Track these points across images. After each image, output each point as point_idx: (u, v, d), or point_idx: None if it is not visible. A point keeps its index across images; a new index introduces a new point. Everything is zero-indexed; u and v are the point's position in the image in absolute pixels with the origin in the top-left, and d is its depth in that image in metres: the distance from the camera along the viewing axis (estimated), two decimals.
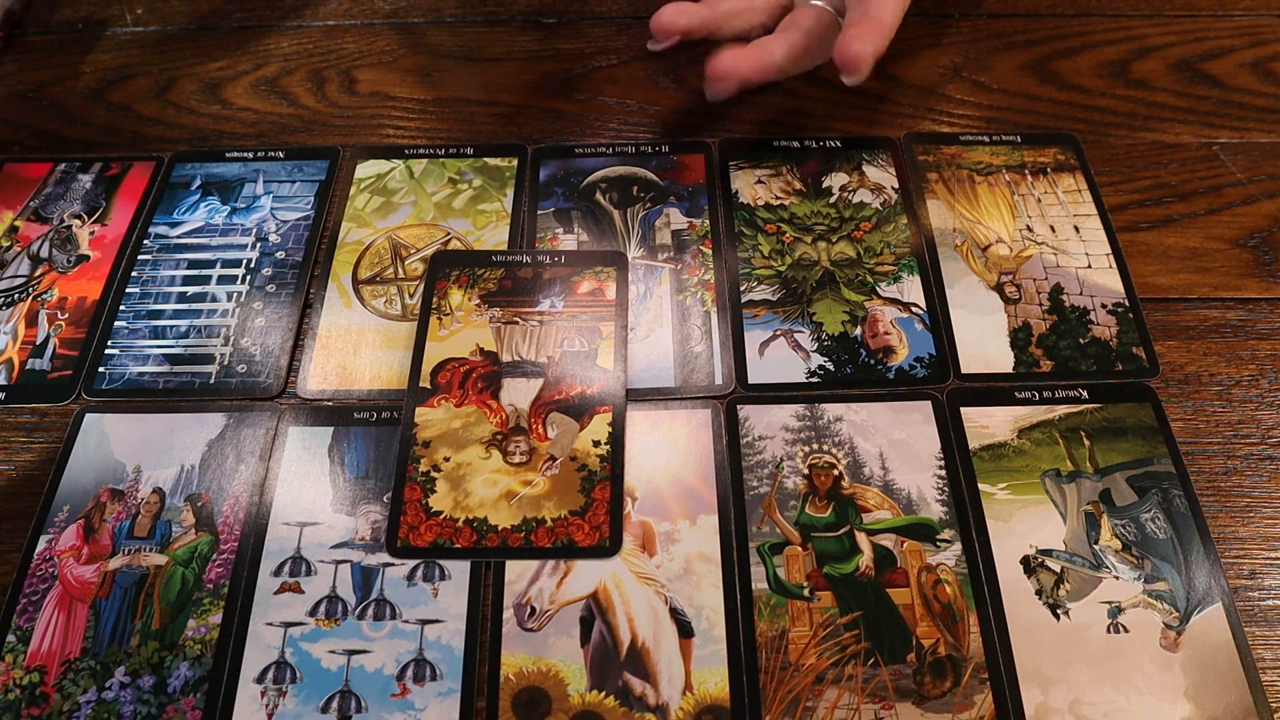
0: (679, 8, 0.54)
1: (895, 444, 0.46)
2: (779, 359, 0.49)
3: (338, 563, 0.43)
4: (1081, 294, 0.51)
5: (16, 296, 0.51)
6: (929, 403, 0.47)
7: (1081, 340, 0.49)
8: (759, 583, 0.42)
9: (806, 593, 0.42)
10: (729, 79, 0.53)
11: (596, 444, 0.45)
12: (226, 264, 0.52)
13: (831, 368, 0.48)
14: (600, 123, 0.59)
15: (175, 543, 0.43)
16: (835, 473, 0.45)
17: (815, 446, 0.46)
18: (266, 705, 0.39)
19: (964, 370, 0.48)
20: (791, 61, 0.53)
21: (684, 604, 0.42)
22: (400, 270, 0.52)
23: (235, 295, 0.51)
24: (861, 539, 0.43)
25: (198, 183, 0.56)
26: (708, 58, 0.53)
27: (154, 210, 0.55)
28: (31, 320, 0.50)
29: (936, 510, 0.44)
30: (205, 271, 0.52)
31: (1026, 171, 0.56)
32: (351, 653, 0.40)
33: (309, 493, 0.44)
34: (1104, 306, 0.50)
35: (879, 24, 0.49)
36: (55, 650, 0.41)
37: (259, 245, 0.53)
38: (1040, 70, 0.62)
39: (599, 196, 0.55)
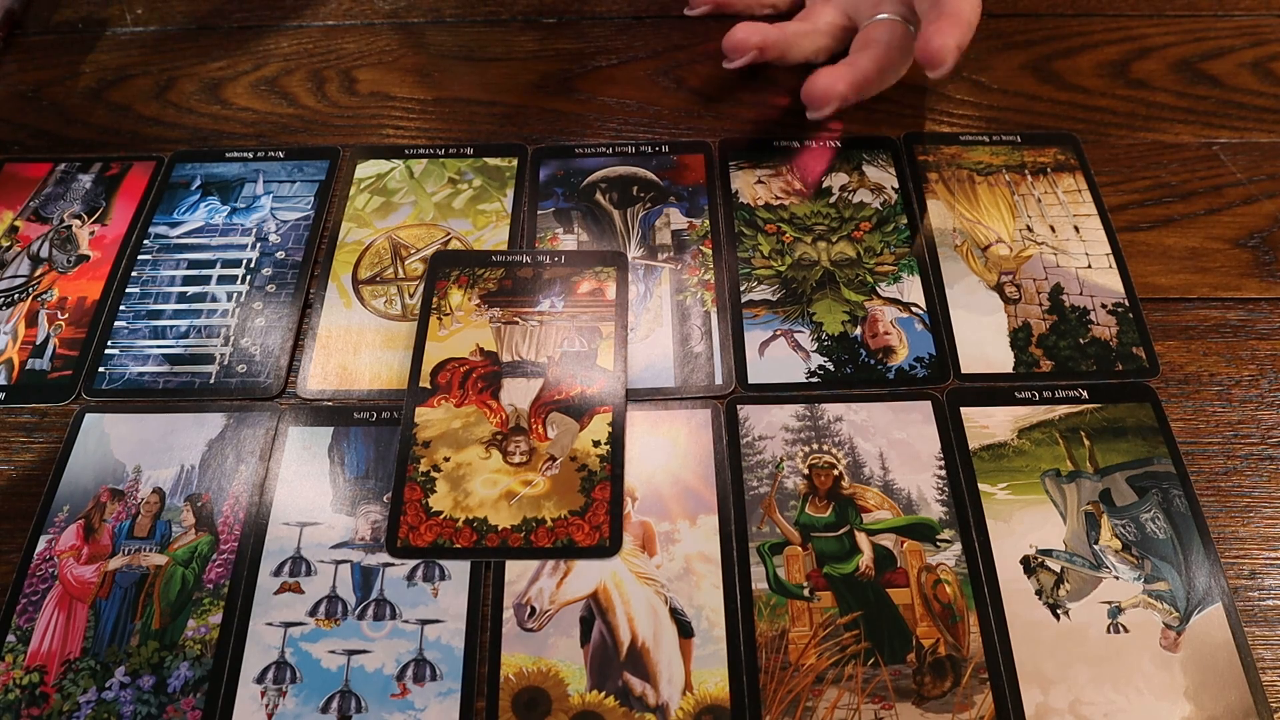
0: (751, 26, 0.55)
1: (895, 444, 0.46)
2: (779, 359, 0.49)
3: (338, 563, 0.43)
4: (1081, 294, 0.51)
5: (16, 296, 0.51)
6: (929, 403, 0.47)
7: (1081, 340, 0.49)
8: (759, 583, 0.42)
9: (806, 593, 0.42)
10: (829, 98, 0.53)
11: (596, 444, 0.45)
12: (226, 264, 0.52)
13: (831, 368, 0.48)
14: (600, 123, 0.59)
15: (175, 543, 0.43)
16: (835, 473, 0.45)
17: (815, 446, 0.46)
18: (266, 705, 0.39)
19: (964, 370, 0.48)
20: (879, 74, 0.54)
21: (684, 604, 0.42)
22: (400, 270, 0.52)
23: (235, 295, 0.51)
24: (861, 539, 0.43)
25: (198, 183, 0.56)
26: (806, 82, 0.52)
27: (154, 210, 0.55)
28: (31, 320, 0.50)
29: (936, 510, 0.44)
30: (205, 271, 0.52)
31: (1026, 171, 0.56)
32: (351, 653, 0.40)
33: (309, 493, 0.44)
34: (1104, 306, 0.50)
35: (958, 18, 0.49)
36: (55, 650, 0.41)
37: (259, 245, 0.53)
38: (1040, 70, 0.62)
39: (599, 196, 0.55)
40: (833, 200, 0.55)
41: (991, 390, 0.47)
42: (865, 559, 0.43)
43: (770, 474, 0.45)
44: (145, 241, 0.53)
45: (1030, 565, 0.42)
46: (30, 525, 0.44)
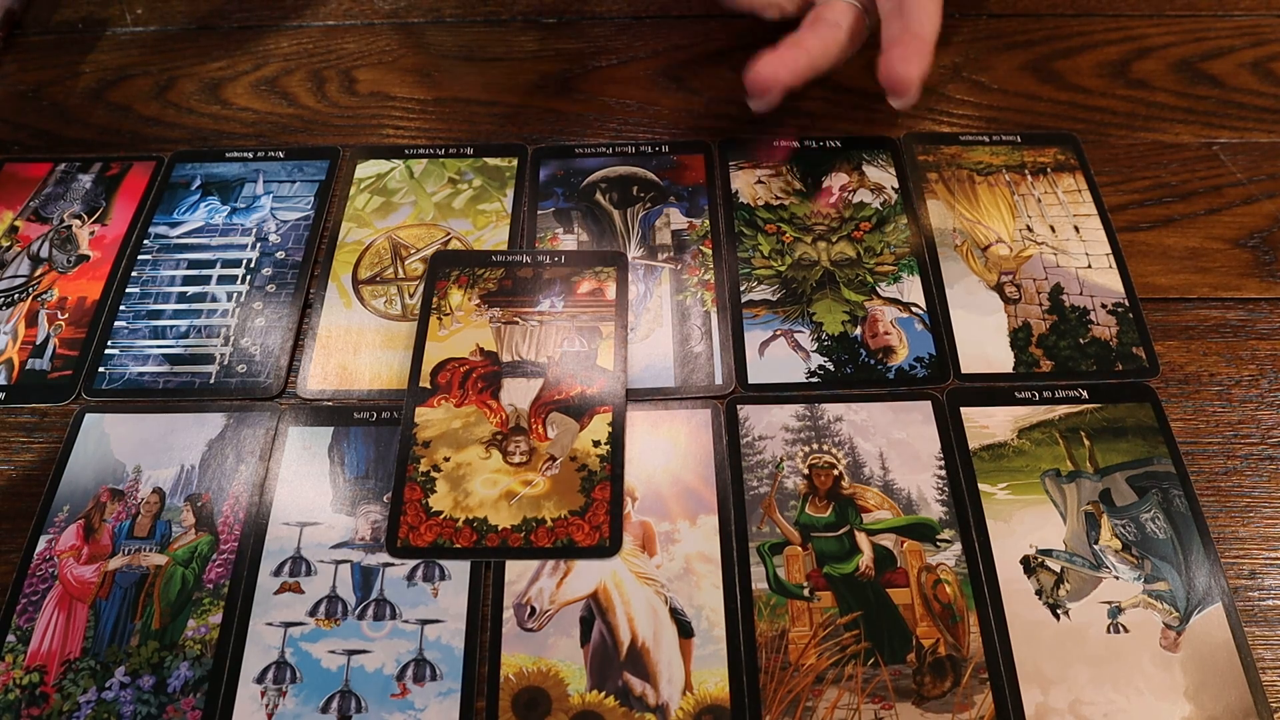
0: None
1: (895, 444, 0.46)
2: (779, 359, 0.49)
3: (338, 563, 0.43)
4: (1081, 294, 0.51)
5: (16, 296, 0.51)
6: (929, 403, 0.47)
7: (1081, 340, 0.49)
8: (759, 583, 0.42)
9: (806, 593, 0.42)
10: (773, 87, 0.51)
11: (596, 444, 0.45)
12: (226, 264, 0.52)
13: (831, 368, 0.48)
14: (600, 123, 0.59)
15: (175, 543, 0.43)
16: (835, 473, 0.45)
17: (815, 446, 0.46)
18: (266, 705, 0.39)
19: (964, 370, 0.48)
20: (826, 61, 0.51)
21: (684, 604, 0.42)
22: (400, 270, 0.52)
23: (235, 295, 0.51)
24: (861, 539, 0.43)
25: (198, 183, 0.56)
26: (746, 70, 0.50)
27: (154, 210, 0.55)
28: (31, 320, 0.50)
29: (936, 510, 0.44)
30: (205, 271, 0.52)
31: (1026, 171, 0.56)
32: (351, 653, 0.40)
33: (309, 493, 0.44)
34: (1104, 306, 0.50)
35: (922, 42, 0.47)
36: (55, 650, 0.41)
37: (259, 245, 0.53)
38: (1040, 70, 0.62)
39: (599, 196, 0.55)
40: (833, 200, 0.55)
41: (991, 390, 0.47)
42: (865, 559, 0.43)
43: (770, 474, 0.45)
44: (145, 241, 0.53)
45: (1030, 565, 0.42)
46: (30, 525, 0.44)
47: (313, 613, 0.41)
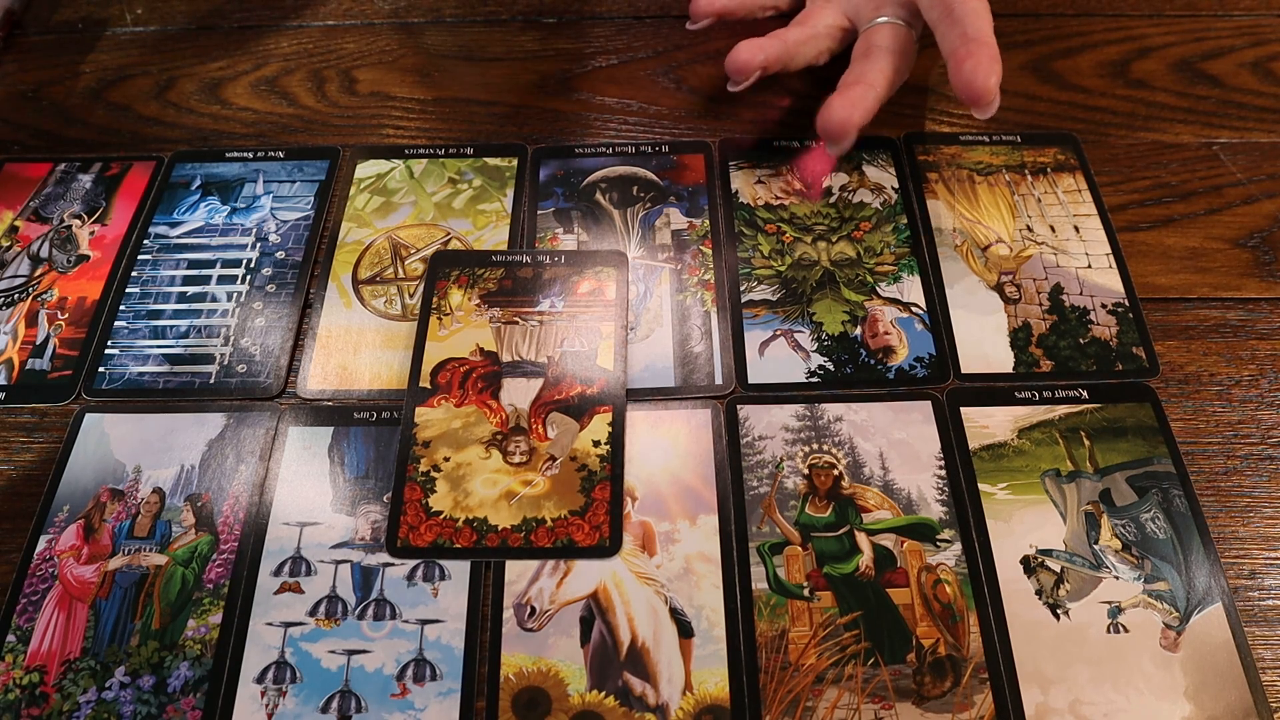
0: (753, 45, 0.54)
1: (895, 444, 0.46)
2: (779, 359, 0.49)
3: (338, 563, 0.43)
4: (1081, 294, 0.51)
5: (16, 296, 0.51)
6: (929, 403, 0.47)
7: (1081, 340, 0.49)
8: (759, 583, 0.42)
9: (806, 593, 0.42)
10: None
11: (596, 444, 0.45)
12: (226, 264, 0.52)
13: (831, 368, 0.48)
14: (600, 123, 0.59)
15: (175, 543, 0.43)
16: (835, 473, 0.45)
17: (815, 446, 0.46)
18: (266, 705, 0.39)
19: (964, 370, 0.48)
20: (891, 89, 0.53)
21: (684, 604, 0.42)
22: (400, 270, 0.52)
23: (235, 295, 0.51)
24: (861, 539, 0.43)
25: (198, 183, 0.56)
26: (819, 113, 0.50)
27: (154, 210, 0.55)
28: (31, 320, 0.50)
29: (936, 510, 0.44)
30: (205, 271, 0.52)
31: (1026, 171, 0.56)
32: (351, 653, 0.40)
33: (309, 493, 0.44)
34: (1104, 306, 0.50)
35: (987, 46, 0.47)
36: (55, 650, 0.41)
37: (259, 245, 0.53)
38: (1040, 70, 0.62)
39: (599, 196, 0.55)
40: (833, 200, 0.55)
41: (991, 390, 0.47)
42: (865, 559, 0.43)
43: (770, 474, 0.45)
44: (145, 241, 0.53)
45: (1030, 565, 0.42)
46: (30, 525, 0.44)
47: (313, 613, 0.41)
